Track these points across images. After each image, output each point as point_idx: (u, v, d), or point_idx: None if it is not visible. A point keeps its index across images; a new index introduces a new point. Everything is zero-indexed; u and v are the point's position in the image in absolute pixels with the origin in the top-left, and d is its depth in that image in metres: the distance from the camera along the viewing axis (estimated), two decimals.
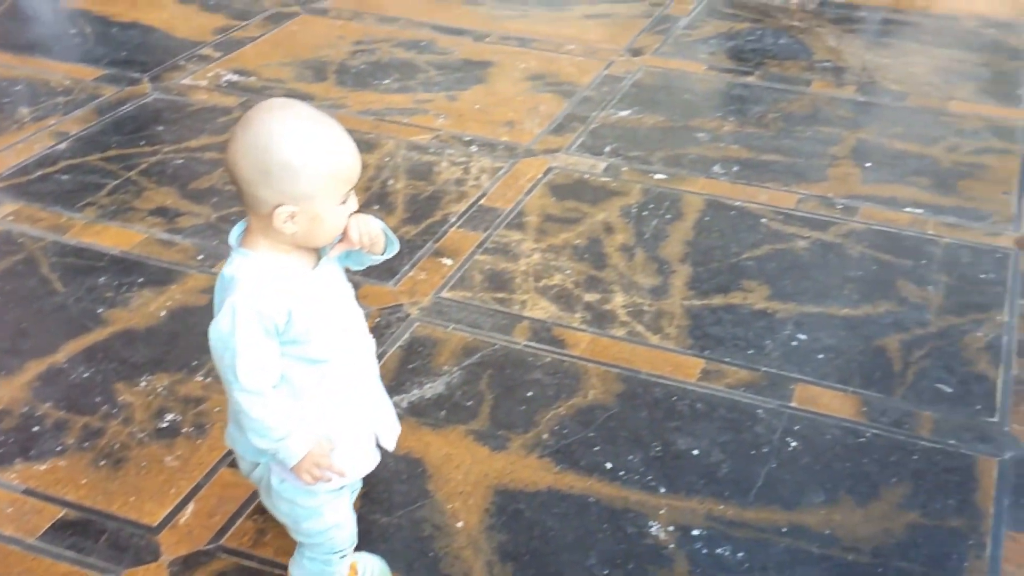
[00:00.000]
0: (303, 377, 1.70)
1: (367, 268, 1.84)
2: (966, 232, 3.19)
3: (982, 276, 2.99)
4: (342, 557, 1.91)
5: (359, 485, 1.97)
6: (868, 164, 3.56)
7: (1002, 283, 2.96)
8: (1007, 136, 3.75)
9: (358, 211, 1.70)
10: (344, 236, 1.69)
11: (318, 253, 1.72)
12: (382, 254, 1.77)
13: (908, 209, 3.30)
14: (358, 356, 1.79)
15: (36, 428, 2.42)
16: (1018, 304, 2.87)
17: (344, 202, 1.66)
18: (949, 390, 2.57)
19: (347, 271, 1.81)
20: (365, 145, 3.59)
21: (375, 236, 1.72)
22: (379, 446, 1.85)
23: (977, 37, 4.57)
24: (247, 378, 1.63)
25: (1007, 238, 3.16)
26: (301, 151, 1.59)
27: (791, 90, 4.08)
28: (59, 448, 2.36)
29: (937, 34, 4.60)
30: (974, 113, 3.90)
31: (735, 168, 3.52)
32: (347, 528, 1.89)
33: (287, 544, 2.12)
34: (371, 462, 1.85)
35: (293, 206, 1.60)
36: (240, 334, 1.61)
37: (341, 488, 1.82)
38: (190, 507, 2.21)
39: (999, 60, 4.35)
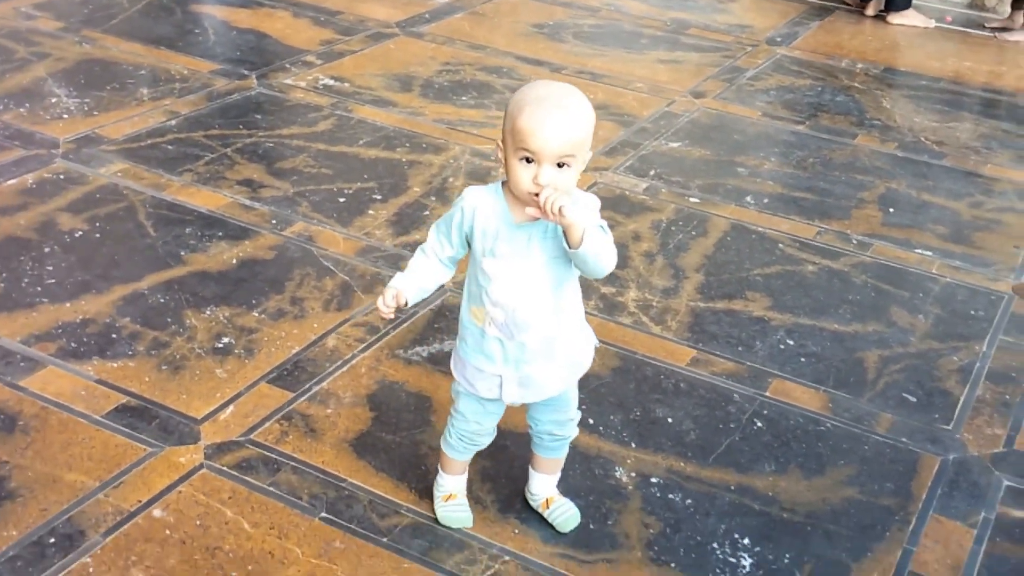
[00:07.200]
0: (474, 278, 2.04)
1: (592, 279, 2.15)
2: (968, 275, 3.44)
3: (972, 313, 3.24)
4: (448, 442, 2.23)
5: (501, 408, 2.19)
6: (892, 209, 3.83)
7: (989, 320, 3.20)
8: None
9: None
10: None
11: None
12: (583, 256, 1.91)
13: (918, 251, 3.56)
14: (506, 314, 2.01)
15: (114, 335, 2.86)
16: (999, 339, 3.11)
17: (526, 161, 1.85)
18: (913, 399, 2.83)
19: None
20: (434, 147, 4.02)
21: (558, 209, 1.81)
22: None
23: None
24: (429, 236, 2.07)
25: (1006, 284, 3.40)
26: (515, 99, 1.88)
27: (836, 141, 4.38)
28: (130, 352, 2.79)
29: (989, 106, 4.85)
30: (1006, 177, 4.15)
31: (765, 200, 3.84)
32: (469, 424, 2.18)
33: (304, 445, 2.51)
34: (488, 390, 2.10)
35: (500, 142, 1.93)
36: (449, 213, 2.03)
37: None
38: (230, 408, 2.61)
39: None
